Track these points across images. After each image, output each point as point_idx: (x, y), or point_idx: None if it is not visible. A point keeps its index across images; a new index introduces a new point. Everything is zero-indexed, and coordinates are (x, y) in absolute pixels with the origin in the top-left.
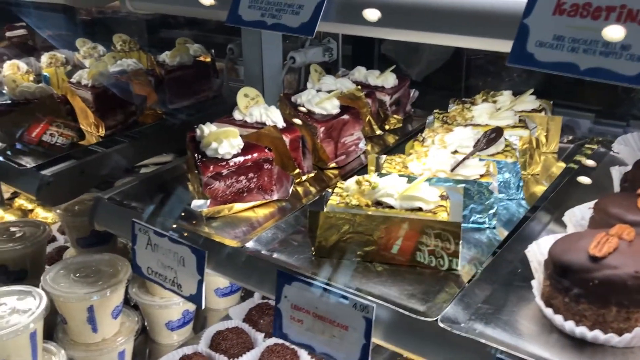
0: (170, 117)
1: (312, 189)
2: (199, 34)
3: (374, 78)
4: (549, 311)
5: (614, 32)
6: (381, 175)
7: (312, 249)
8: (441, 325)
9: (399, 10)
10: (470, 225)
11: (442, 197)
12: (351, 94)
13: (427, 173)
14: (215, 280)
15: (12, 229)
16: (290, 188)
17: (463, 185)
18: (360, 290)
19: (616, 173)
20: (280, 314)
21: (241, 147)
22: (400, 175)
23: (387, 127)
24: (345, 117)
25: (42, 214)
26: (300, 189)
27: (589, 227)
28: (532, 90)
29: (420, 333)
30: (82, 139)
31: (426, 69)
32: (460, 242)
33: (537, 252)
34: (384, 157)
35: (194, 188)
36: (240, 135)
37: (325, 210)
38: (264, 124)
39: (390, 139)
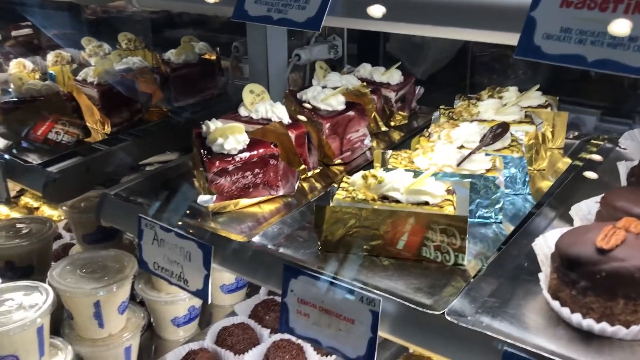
0: (176, 114)
1: (318, 185)
2: (203, 33)
3: (380, 75)
4: (555, 304)
5: (622, 25)
6: (387, 170)
7: (319, 243)
8: (448, 318)
9: (405, 4)
10: (477, 220)
11: (448, 191)
12: (356, 90)
13: (433, 168)
14: (221, 276)
15: (19, 225)
16: (296, 184)
17: (469, 179)
18: (366, 284)
19: (623, 168)
20: (286, 308)
21: (247, 142)
22: (406, 170)
23: (392, 123)
24: (351, 113)
25: (47, 212)
26: (305, 185)
27: (595, 221)
28: (537, 86)
29: (427, 326)
30: (87, 136)
31: (431, 68)
32: (467, 236)
33: (544, 245)
34: (389, 152)
35: (200, 184)
36: (246, 132)
37: (331, 204)
38: (270, 120)
39: (396, 136)
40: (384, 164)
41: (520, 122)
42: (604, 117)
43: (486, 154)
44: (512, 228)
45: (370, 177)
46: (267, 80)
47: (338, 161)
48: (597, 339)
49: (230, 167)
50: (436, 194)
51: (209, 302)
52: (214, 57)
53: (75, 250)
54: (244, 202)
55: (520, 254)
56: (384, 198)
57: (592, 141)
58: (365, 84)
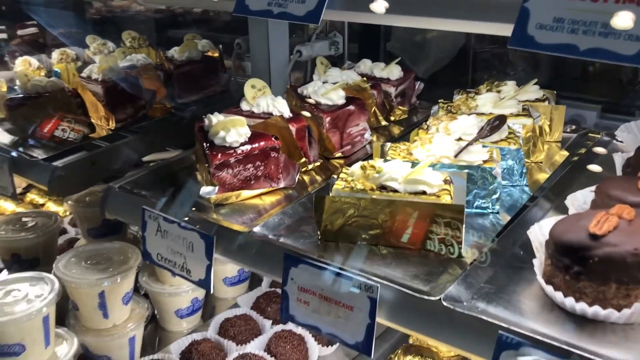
0: (179, 111)
1: (318, 178)
2: (206, 32)
3: (380, 70)
4: (549, 288)
5: (618, 15)
6: (386, 161)
7: (318, 233)
8: (444, 303)
9: None
10: (474, 210)
11: (445, 181)
12: (357, 85)
13: (431, 159)
14: (224, 269)
15: (25, 219)
16: (296, 176)
17: (466, 170)
18: (364, 271)
19: (619, 159)
20: (287, 296)
21: (248, 135)
22: (404, 161)
23: (392, 118)
24: (351, 107)
25: (53, 209)
26: (306, 178)
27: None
28: (535, 80)
29: (424, 312)
30: (92, 131)
31: (432, 67)
32: (464, 225)
33: (539, 233)
34: (388, 144)
35: (202, 177)
36: (248, 125)
37: (330, 194)
38: (271, 114)
39: (396, 130)
40: (383, 156)
41: (517, 115)
42: (604, 113)
43: (483, 146)
44: (509, 218)
45: (368, 168)
46: (269, 77)
47: (338, 155)
48: (591, 323)
49: (232, 160)
50: (433, 183)
51: (211, 291)
52: (216, 55)
53: (80, 244)
54: (245, 194)
55: (516, 243)
56: (382, 188)
57: (590, 134)
58: (365, 79)
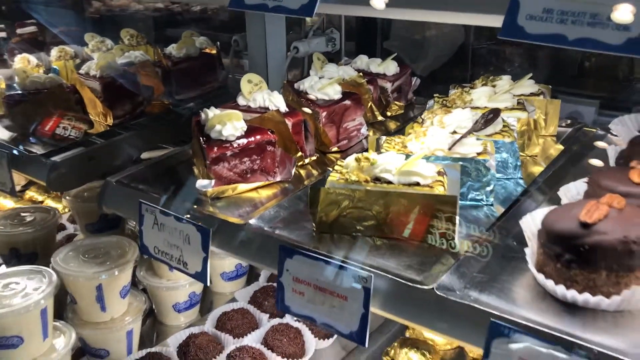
0: (177, 107)
1: (315, 172)
2: (204, 31)
3: (376, 66)
4: (540, 276)
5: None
6: (380, 153)
7: (314, 224)
8: (437, 292)
9: None
10: (469, 202)
11: (439, 173)
12: (353, 80)
13: (426, 151)
14: (222, 264)
15: (23, 214)
16: (292, 170)
17: (460, 162)
18: (359, 262)
19: (612, 152)
20: (282, 287)
21: (244, 129)
22: (398, 154)
23: (388, 113)
24: (347, 102)
25: (52, 205)
26: (302, 172)
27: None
28: (530, 75)
29: (418, 301)
30: (91, 127)
31: (430, 66)
32: (458, 217)
33: (531, 223)
34: (384, 138)
35: (199, 171)
36: (244, 120)
37: (325, 186)
38: (267, 108)
39: (392, 125)
40: (378, 149)
41: (512, 108)
42: (602, 110)
43: (477, 139)
44: (502, 210)
45: (363, 160)
46: (267, 73)
47: (335, 149)
48: (582, 311)
49: (228, 153)
50: (427, 175)
51: (208, 284)
52: (214, 52)
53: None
54: (241, 187)
55: (510, 234)
56: (377, 180)
57: (585, 129)
58: (361, 74)
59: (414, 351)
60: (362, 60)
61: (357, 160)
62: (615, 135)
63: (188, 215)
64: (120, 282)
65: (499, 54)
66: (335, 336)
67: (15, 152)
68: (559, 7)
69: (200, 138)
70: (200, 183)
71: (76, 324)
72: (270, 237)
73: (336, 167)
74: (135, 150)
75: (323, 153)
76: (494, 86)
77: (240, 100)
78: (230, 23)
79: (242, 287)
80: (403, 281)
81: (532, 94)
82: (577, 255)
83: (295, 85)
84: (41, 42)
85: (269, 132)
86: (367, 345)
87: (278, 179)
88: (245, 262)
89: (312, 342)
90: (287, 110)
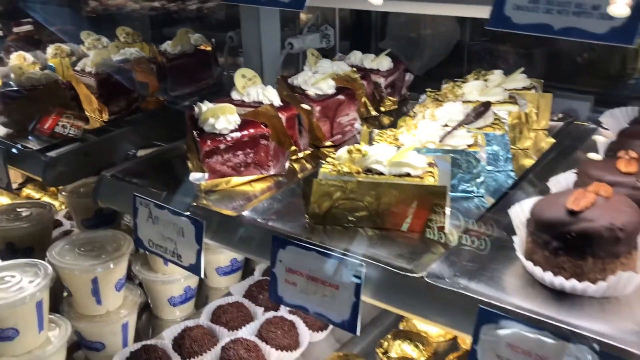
0: (172, 104)
1: (309, 166)
2: (200, 29)
3: (370, 61)
4: (528, 263)
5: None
6: (372, 145)
7: (306, 216)
8: (427, 280)
9: None
10: (460, 194)
11: (430, 164)
12: (347, 76)
13: (417, 143)
14: (217, 259)
15: (19, 209)
16: (286, 163)
17: (451, 154)
18: (350, 252)
19: (602, 144)
20: (275, 278)
21: (238, 123)
22: (390, 145)
23: (382, 108)
24: (341, 97)
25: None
26: (296, 166)
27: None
28: (522, 69)
29: (408, 289)
30: (87, 123)
31: (426, 65)
32: (448, 207)
33: (520, 212)
34: (376, 131)
35: (193, 165)
36: (238, 114)
37: (318, 178)
38: (261, 103)
39: (386, 120)
40: (371, 142)
41: (504, 102)
42: (596, 107)
43: (468, 131)
44: (493, 201)
45: (355, 152)
46: (261, 69)
47: (328, 144)
48: (570, 298)
49: (222, 147)
50: (418, 166)
51: (202, 276)
52: (209, 48)
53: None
54: (235, 180)
55: (500, 224)
56: (368, 171)
57: (577, 122)
58: (355, 69)
59: (407, 343)
60: (356, 56)
61: (349, 152)
62: (606, 128)
63: (182, 208)
64: (115, 275)
65: (493, 52)
66: (329, 328)
67: (11, 147)
68: None
69: (194, 132)
70: (194, 176)
71: (72, 317)
72: (263, 229)
73: (328, 159)
74: (131, 146)
75: (317, 147)
76: (485, 80)
77: (234, 95)
78: (226, 22)
79: (237, 281)
80: (394, 269)
81: (524, 88)
82: (565, 243)
83: (289, 80)
84: (37, 40)
85: (262, 126)
86: (358, 333)
87: (272, 172)
88: (238, 253)
89: (306, 335)
90: (281, 104)
